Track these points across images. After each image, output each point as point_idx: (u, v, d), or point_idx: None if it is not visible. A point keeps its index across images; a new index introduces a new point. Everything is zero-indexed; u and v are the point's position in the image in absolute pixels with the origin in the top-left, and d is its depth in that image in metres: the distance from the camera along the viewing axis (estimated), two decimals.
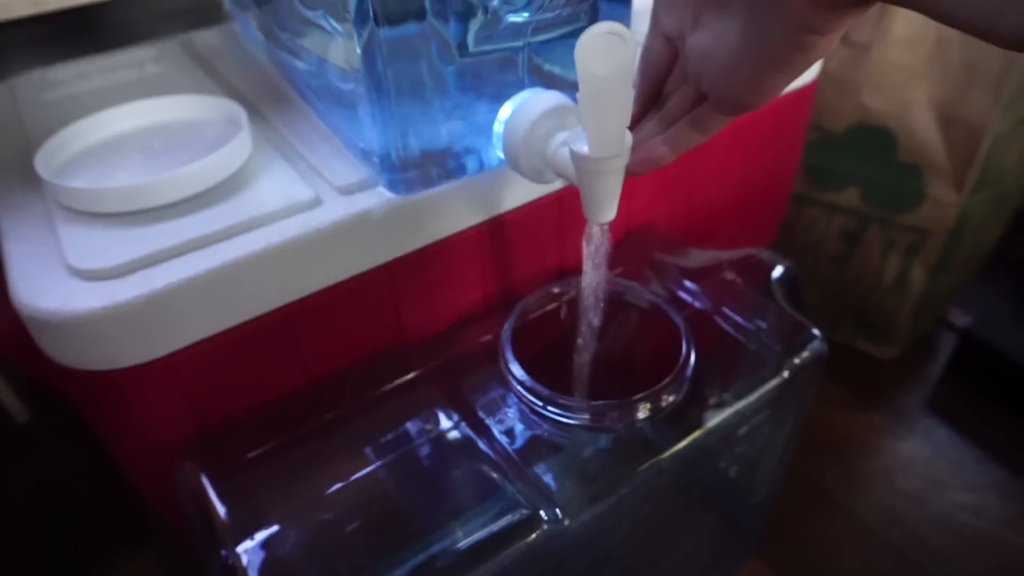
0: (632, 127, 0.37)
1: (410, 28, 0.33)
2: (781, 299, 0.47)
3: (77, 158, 0.43)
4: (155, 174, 0.38)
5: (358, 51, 0.33)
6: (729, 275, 0.49)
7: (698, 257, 0.51)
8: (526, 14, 0.35)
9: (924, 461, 0.68)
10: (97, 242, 0.36)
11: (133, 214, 0.38)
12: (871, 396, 0.75)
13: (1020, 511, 0.64)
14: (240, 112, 0.44)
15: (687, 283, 0.48)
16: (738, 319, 0.45)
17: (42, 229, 0.39)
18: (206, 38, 0.60)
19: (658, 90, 0.37)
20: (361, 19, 0.32)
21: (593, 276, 0.38)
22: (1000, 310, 0.80)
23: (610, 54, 0.28)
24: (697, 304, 0.47)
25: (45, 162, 0.41)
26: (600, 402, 0.39)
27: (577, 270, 0.50)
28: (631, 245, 0.51)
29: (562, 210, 0.46)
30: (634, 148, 0.34)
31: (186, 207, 0.39)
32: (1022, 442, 0.70)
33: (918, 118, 0.64)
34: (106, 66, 0.56)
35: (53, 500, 0.63)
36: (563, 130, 0.36)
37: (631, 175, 0.35)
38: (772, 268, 0.49)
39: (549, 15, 0.35)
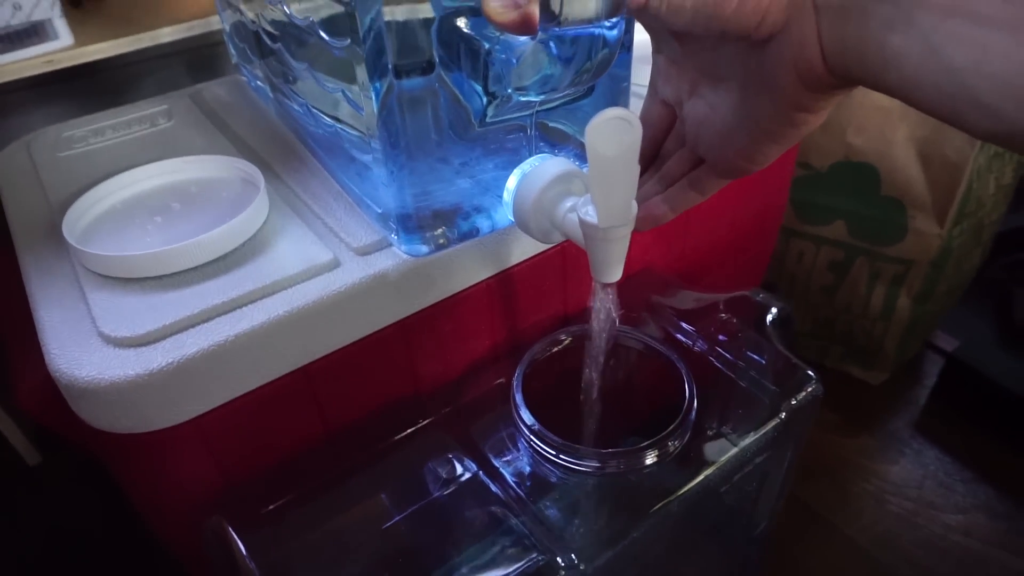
0: None
1: (424, 86, 0.34)
2: (776, 340, 0.49)
3: (100, 221, 0.45)
4: (178, 237, 0.40)
5: (375, 108, 0.34)
6: (724, 316, 0.51)
7: (693, 299, 0.53)
8: (537, 98, 0.37)
9: (915, 484, 0.71)
10: (127, 308, 0.38)
11: (158, 279, 0.40)
12: (862, 420, 0.77)
13: (1009, 530, 0.66)
14: (257, 174, 0.45)
15: (684, 325, 0.50)
16: (734, 360, 0.47)
17: (71, 294, 0.40)
18: (214, 91, 0.62)
19: (656, 149, 0.39)
20: (379, 73, 0.33)
21: (599, 331, 0.40)
22: (982, 332, 0.83)
23: (618, 136, 0.30)
24: (694, 346, 0.49)
25: (71, 226, 0.42)
26: (609, 450, 0.41)
27: (581, 315, 0.52)
28: (629, 289, 0.53)
29: (565, 262, 0.48)
30: (639, 206, 0.36)
31: (209, 271, 0.40)
32: (1008, 462, 0.72)
33: (900, 155, 0.67)
34: (119, 122, 0.57)
35: (65, 544, 0.64)
36: (570, 195, 0.38)
37: (634, 232, 0.37)
38: (766, 310, 0.51)
39: (557, 95, 0.38)
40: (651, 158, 0.39)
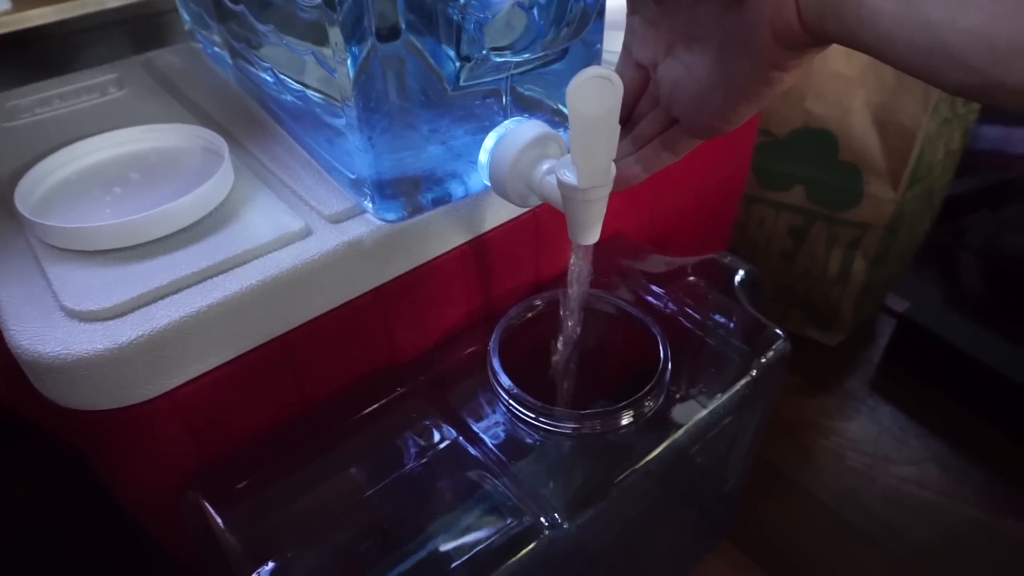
0: None
1: (399, 51, 0.34)
2: (744, 301, 0.50)
3: (55, 192, 0.43)
4: (139, 208, 0.38)
5: (350, 74, 0.33)
6: (693, 279, 0.52)
7: (663, 263, 0.53)
8: (515, 58, 0.36)
9: (871, 439, 0.74)
10: (90, 281, 0.36)
11: (122, 251, 0.39)
12: (820, 381, 0.80)
13: (958, 480, 0.70)
14: (220, 142, 0.44)
15: (654, 288, 0.51)
16: (704, 322, 0.48)
17: (28, 269, 0.38)
18: (168, 58, 0.60)
19: (629, 111, 0.39)
20: (358, 39, 0.33)
21: (576, 292, 0.40)
22: (932, 294, 0.87)
23: (599, 96, 0.30)
24: (665, 309, 0.49)
25: (24, 198, 0.41)
26: (586, 411, 0.41)
27: (553, 282, 0.52)
28: (601, 255, 0.53)
29: (538, 227, 0.48)
30: None
31: (175, 242, 0.39)
32: (956, 415, 0.76)
33: (857, 122, 0.68)
34: (67, 91, 0.55)
35: (38, 533, 0.61)
36: (547, 158, 0.38)
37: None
38: (734, 272, 0.52)
39: (533, 56, 0.37)
40: (623, 121, 0.39)
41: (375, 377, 0.45)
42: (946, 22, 0.24)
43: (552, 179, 0.36)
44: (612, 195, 0.38)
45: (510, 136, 0.37)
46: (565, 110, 0.40)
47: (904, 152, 0.68)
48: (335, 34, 0.33)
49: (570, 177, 0.34)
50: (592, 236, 0.37)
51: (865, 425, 0.75)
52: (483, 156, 0.39)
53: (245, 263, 0.38)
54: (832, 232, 0.75)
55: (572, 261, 0.39)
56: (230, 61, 0.52)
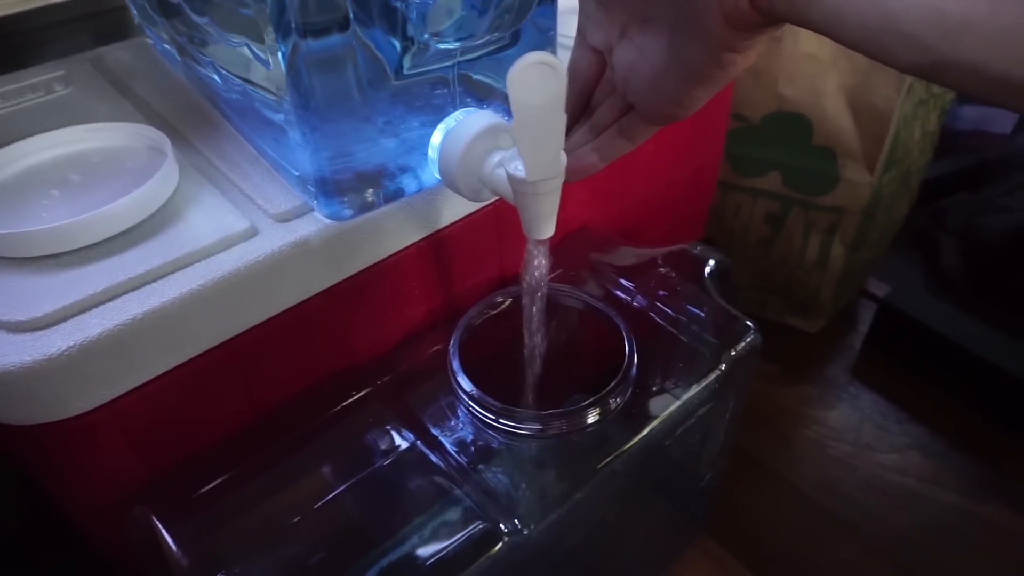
0: None
1: (336, 42, 0.32)
2: (714, 292, 0.49)
3: None
4: (77, 211, 0.37)
5: (283, 68, 0.32)
6: (663, 271, 0.51)
7: (632, 255, 0.52)
8: (456, 44, 0.35)
9: (852, 427, 0.73)
10: (21, 290, 0.35)
11: (57, 257, 0.37)
12: (801, 369, 0.79)
13: (939, 466, 0.69)
14: (164, 140, 0.42)
15: (623, 282, 0.50)
16: (674, 315, 0.47)
17: None
18: (117, 54, 0.58)
19: (587, 99, 0.38)
20: (283, 33, 0.31)
21: (534, 289, 0.39)
22: (912, 278, 0.86)
23: (542, 84, 0.29)
24: (634, 303, 0.48)
25: None
26: (549, 411, 0.40)
27: (517, 278, 0.51)
28: (568, 248, 0.52)
29: (500, 220, 0.46)
30: (568, 156, 0.35)
31: (114, 246, 0.37)
32: (938, 401, 0.75)
33: (830, 105, 0.67)
34: (9, 91, 0.52)
35: None
36: (498, 150, 0.36)
37: (563, 183, 0.36)
38: (704, 262, 0.51)
39: (478, 42, 0.36)
40: (581, 108, 0.38)
41: (332, 381, 0.43)
42: None
43: (502, 172, 0.34)
44: (578, 185, 0.37)
45: (458, 128, 0.36)
46: None
47: (879, 135, 0.67)
48: (265, 27, 0.31)
49: (519, 170, 0.32)
50: (546, 230, 0.35)
51: (846, 413, 0.74)
52: (432, 150, 0.37)
53: (186, 267, 0.36)
54: (809, 218, 0.74)
55: (527, 257, 0.37)
56: (178, 57, 0.50)
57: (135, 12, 0.57)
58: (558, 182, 0.33)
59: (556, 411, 0.40)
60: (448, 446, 0.40)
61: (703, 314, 0.47)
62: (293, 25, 0.30)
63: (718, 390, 0.45)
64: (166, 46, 0.52)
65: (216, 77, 0.44)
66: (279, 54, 0.31)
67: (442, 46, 0.34)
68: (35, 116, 0.49)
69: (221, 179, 0.43)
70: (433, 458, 0.39)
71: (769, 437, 0.72)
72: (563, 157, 0.33)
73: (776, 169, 0.72)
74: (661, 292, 0.49)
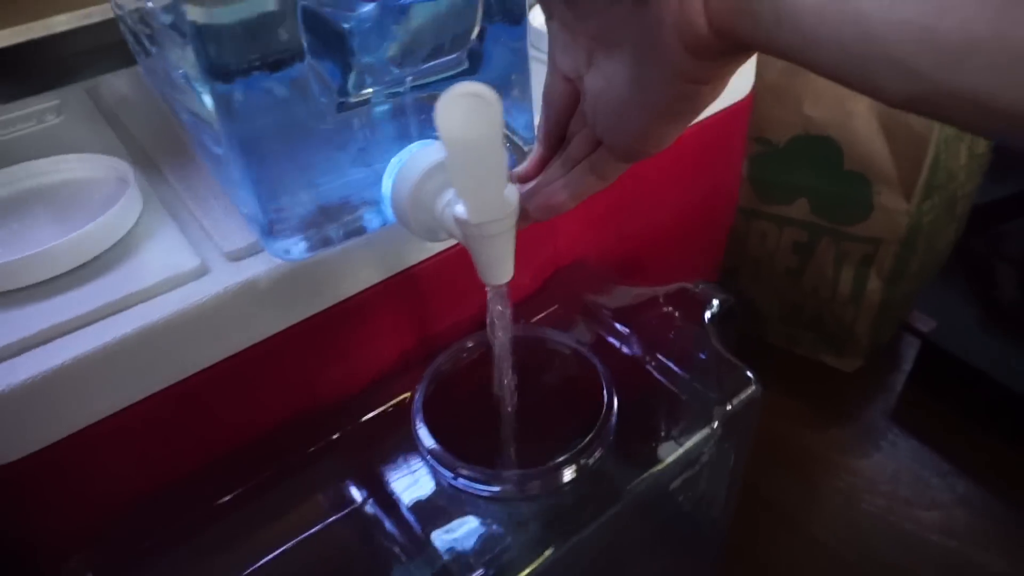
0: (540, 169, 0.35)
1: (271, 80, 0.30)
2: (714, 337, 0.44)
3: None
4: (35, 246, 0.35)
5: (211, 104, 0.30)
6: (663, 312, 0.47)
7: (630, 295, 0.48)
8: (396, 71, 0.32)
9: (888, 479, 0.66)
10: None
11: (4, 295, 0.36)
12: (833, 411, 0.73)
13: (988, 528, 0.62)
14: (129, 172, 0.41)
15: (618, 326, 0.46)
16: (670, 364, 0.43)
17: None
18: (113, 84, 0.57)
19: (563, 130, 0.35)
20: (205, 71, 0.29)
21: (502, 338, 0.36)
22: (961, 312, 0.79)
23: (473, 117, 0.25)
24: (625, 349, 0.44)
25: None
26: (518, 471, 0.36)
27: None
28: (559, 286, 0.49)
29: None
30: (536, 192, 0.32)
31: (64, 283, 0.36)
32: (989, 453, 0.68)
33: (861, 127, 0.62)
34: (3, 120, 0.53)
35: None
36: (449, 187, 0.33)
37: (534, 222, 0.33)
38: (707, 303, 0.46)
39: (423, 66, 0.33)
40: (558, 139, 0.35)
41: (291, 426, 0.41)
42: (880, 14, 0.19)
43: (451, 212, 0.31)
44: (570, 215, 0.34)
45: (409, 163, 0.33)
46: None
47: (916, 159, 0.61)
48: (193, 64, 0.29)
49: (462, 211, 0.29)
50: (501, 275, 0.32)
51: (882, 462, 0.68)
52: (385, 187, 0.35)
53: (128, 308, 0.35)
54: (841, 248, 0.68)
55: (489, 305, 0.34)
56: (158, 85, 0.49)
57: (130, 40, 0.56)
58: (507, 223, 0.30)
59: (525, 471, 0.36)
60: (403, 508, 0.37)
61: (701, 361, 0.43)
62: (218, 63, 0.28)
63: (715, 445, 0.41)
64: (151, 77, 0.52)
65: (182, 110, 0.42)
66: (206, 90, 0.29)
67: (383, 74, 0.32)
68: (21, 146, 0.49)
69: (184, 213, 0.41)
70: (386, 523, 0.36)
71: (794, 485, 0.66)
72: (513, 196, 0.30)
73: (803, 196, 0.67)
74: (657, 337, 0.45)
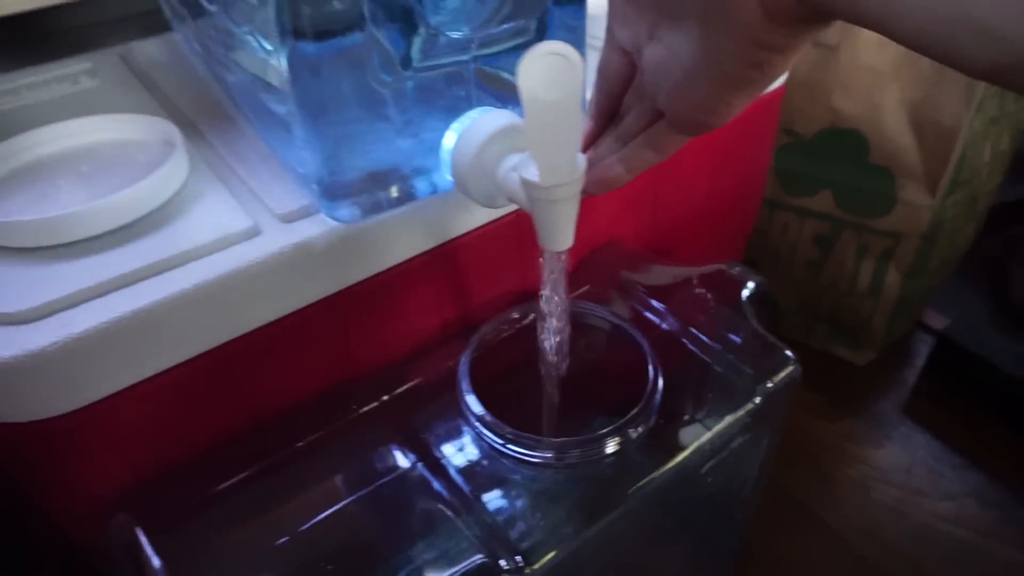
0: (589, 144, 0.35)
1: (343, 42, 0.30)
2: (752, 318, 0.45)
3: None
4: (81, 202, 0.35)
5: (284, 67, 0.30)
6: (698, 292, 0.47)
7: (666, 274, 0.48)
8: (466, 30, 0.32)
9: (902, 470, 0.67)
10: (10, 282, 0.33)
11: (54, 248, 0.35)
12: (847, 403, 0.74)
13: (999, 518, 0.63)
14: (176, 133, 0.41)
15: (654, 303, 0.46)
16: (708, 341, 0.43)
17: None
18: (146, 49, 0.57)
19: (616, 105, 0.35)
20: (283, 32, 0.29)
21: (552, 305, 0.36)
22: (975, 310, 0.80)
23: (555, 76, 0.26)
24: (664, 325, 0.45)
25: None
26: (564, 439, 0.37)
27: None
28: (595, 264, 0.49)
29: (521, 230, 0.44)
30: (590, 167, 0.32)
31: (113, 240, 0.36)
32: (1001, 446, 0.69)
33: (889, 121, 0.62)
34: (38, 81, 0.52)
35: None
36: (514, 152, 0.33)
37: (587, 196, 0.33)
38: (743, 284, 0.47)
39: (493, 31, 0.33)
40: (610, 115, 0.35)
41: (333, 393, 0.41)
42: None
43: (516, 176, 0.31)
44: (608, 195, 0.34)
45: (471, 128, 0.33)
46: None
47: (943, 154, 0.61)
48: (269, 23, 0.29)
49: (532, 173, 0.29)
50: (563, 241, 0.32)
51: (896, 454, 0.68)
52: (444, 151, 0.35)
53: (180, 265, 0.35)
54: (862, 241, 0.69)
55: (543, 271, 0.34)
56: (199, 49, 0.49)
57: (164, 8, 0.56)
58: (574, 188, 0.30)
59: (571, 439, 0.37)
60: (451, 470, 0.37)
61: (739, 340, 0.44)
62: (294, 24, 0.28)
63: (752, 424, 0.41)
64: (192, 42, 0.51)
65: (231, 71, 0.42)
66: (282, 50, 0.29)
67: (452, 34, 0.32)
68: (58, 107, 0.49)
69: (231, 176, 0.41)
70: (435, 484, 0.36)
71: (809, 475, 0.67)
72: (582, 162, 0.30)
73: (828, 188, 0.68)
74: (694, 315, 0.45)
